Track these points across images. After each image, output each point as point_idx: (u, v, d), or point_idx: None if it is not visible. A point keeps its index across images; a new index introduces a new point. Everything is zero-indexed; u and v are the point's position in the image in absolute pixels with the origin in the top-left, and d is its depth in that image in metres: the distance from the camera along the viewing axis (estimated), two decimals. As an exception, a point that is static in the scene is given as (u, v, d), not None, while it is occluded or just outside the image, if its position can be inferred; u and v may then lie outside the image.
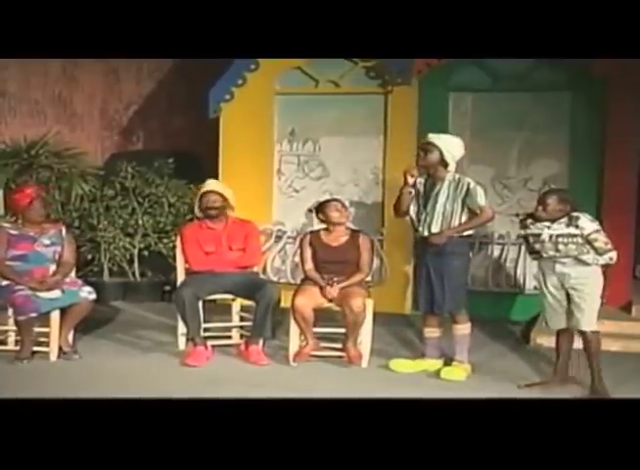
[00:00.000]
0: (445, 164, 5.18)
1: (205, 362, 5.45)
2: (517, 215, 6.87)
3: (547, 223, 4.83)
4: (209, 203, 5.74)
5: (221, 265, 5.73)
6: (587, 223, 4.76)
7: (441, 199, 5.16)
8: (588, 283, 4.80)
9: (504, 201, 6.94)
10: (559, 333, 4.99)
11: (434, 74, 6.87)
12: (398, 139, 7.06)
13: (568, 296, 4.86)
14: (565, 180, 6.69)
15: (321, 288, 5.50)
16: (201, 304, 5.63)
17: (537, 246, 4.90)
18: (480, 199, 5.12)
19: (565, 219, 4.78)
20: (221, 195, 5.75)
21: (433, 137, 5.24)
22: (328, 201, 5.76)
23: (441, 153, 5.16)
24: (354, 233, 5.65)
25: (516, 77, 6.82)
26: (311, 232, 5.81)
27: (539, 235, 4.86)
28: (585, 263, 4.78)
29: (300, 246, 5.79)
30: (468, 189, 5.11)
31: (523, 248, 6.84)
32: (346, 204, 5.80)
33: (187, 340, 5.63)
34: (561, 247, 4.79)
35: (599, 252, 4.75)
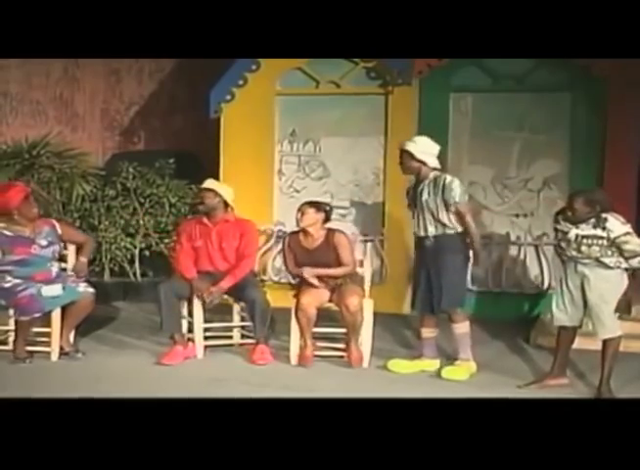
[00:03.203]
0: (423, 163, 5.22)
1: (181, 362, 5.48)
2: (516, 216, 6.94)
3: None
4: (200, 199, 5.83)
5: (208, 263, 5.75)
6: (616, 226, 4.66)
7: (424, 197, 5.20)
8: (609, 288, 4.74)
9: (504, 201, 6.95)
10: (561, 330, 4.98)
11: (435, 75, 6.88)
12: (399, 139, 6.95)
13: (584, 297, 4.83)
14: (565, 180, 6.70)
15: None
16: (199, 303, 5.67)
17: (563, 244, 4.87)
18: (455, 194, 5.11)
19: (592, 220, 4.70)
20: (217, 194, 5.76)
21: (402, 143, 5.34)
22: (301, 204, 5.69)
23: (412, 154, 5.22)
24: (329, 233, 5.58)
25: (516, 78, 6.83)
26: (291, 234, 5.80)
27: (567, 233, 4.81)
28: (607, 266, 4.72)
29: (283, 248, 5.80)
30: (444, 184, 5.14)
31: (523, 248, 6.88)
32: (321, 205, 5.66)
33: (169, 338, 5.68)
34: (584, 248, 4.72)
35: (627, 255, 4.65)
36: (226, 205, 5.79)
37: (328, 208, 5.70)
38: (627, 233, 4.66)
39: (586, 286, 4.79)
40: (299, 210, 5.59)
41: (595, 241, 4.69)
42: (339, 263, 5.52)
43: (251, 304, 5.58)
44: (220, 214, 5.77)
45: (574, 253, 4.79)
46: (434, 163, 5.25)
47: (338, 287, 5.51)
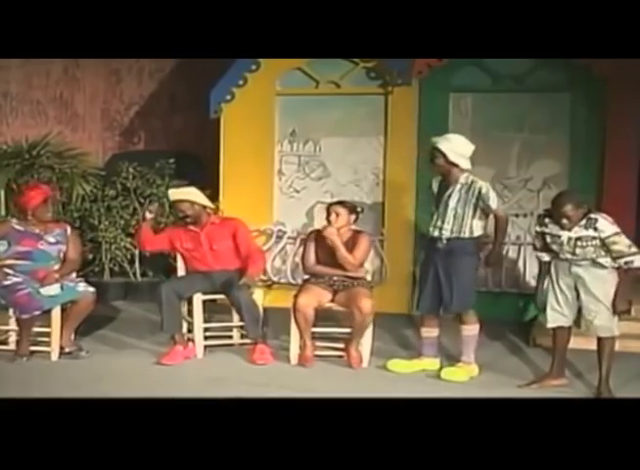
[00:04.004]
0: (455, 165, 5.15)
1: (182, 362, 5.49)
2: (516, 216, 6.93)
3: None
4: (180, 212, 5.79)
5: (201, 264, 5.77)
6: (606, 226, 4.66)
7: (453, 202, 5.15)
8: (604, 287, 4.75)
9: (504, 201, 6.90)
10: (556, 331, 4.98)
11: (435, 75, 6.87)
12: (399, 140, 7.07)
13: (578, 297, 4.83)
14: (565, 180, 6.70)
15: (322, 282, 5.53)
16: (199, 303, 5.68)
17: (555, 247, 4.84)
18: (493, 202, 5.10)
19: (583, 222, 4.69)
20: (192, 202, 5.71)
21: (435, 141, 5.23)
22: (331, 204, 5.71)
23: (445, 155, 5.15)
24: (356, 234, 5.62)
25: (516, 78, 6.82)
26: (317, 231, 5.81)
27: (558, 236, 4.79)
28: (602, 266, 4.72)
29: (305, 243, 5.78)
30: (480, 193, 5.09)
31: (523, 248, 6.87)
32: (355, 206, 5.69)
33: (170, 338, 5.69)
34: (578, 250, 4.72)
35: (614, 255, 4.66)
36: (204, 207, 5.77)
37: (360, 209, 5.73)
38: (616, 233, 4.67)
39: (580, 287, 4.80)
40: (333, 210, 5.57)
41: (588, 242, 4.69)
42: None
43: (236, 304, 5.60)
44: (204, 219, 5.76)
45: (569, 255, 4.79)
46: (466, 164, 5.18)
47: (344, 289, 5.52)
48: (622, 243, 4.67)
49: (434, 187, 5.36)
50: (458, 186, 5.16)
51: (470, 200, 5.12)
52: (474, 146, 5.25)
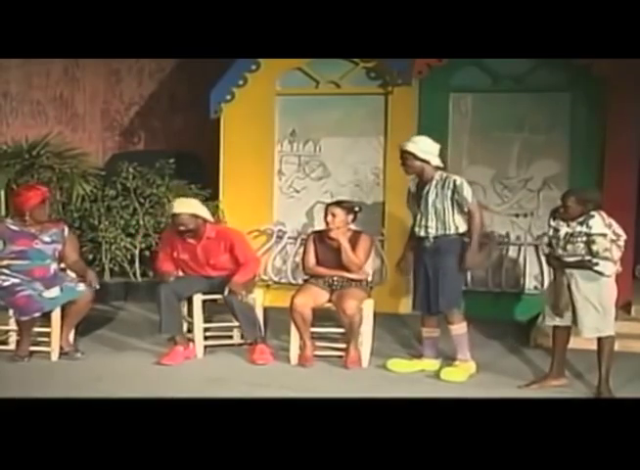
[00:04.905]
0: (426, 161, 5.22)
1: (182, 362, 5.48)
2: (516, 216, 6.94)
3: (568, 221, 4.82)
4: (181, 226, 5.60)
5: (200, 271, 5.76)
6: (598, 223, 4.69)
7: (431, 198, 5.21)
8: (594, 287, 4.76)
9: (504, 201, 6.95)
10: (555, 330, 4.99)
11: (435, 75, 6.87)
12: (399, 139, 6.97)
13: (572, 297, 4.83)
14: (565, 180, 6.69)
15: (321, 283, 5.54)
16: (199, 303, 5.67)
17: (554, 241, 4.90)
18: (468, 194, 5.15)
19: (582, 218, 4.74)
20: (196, 215, 5.60)
21: (402, 144, 5.34)
22: (328, 205, 5.71)
23: (414, 154, 5.21)
24: (356, 234, 5.62)
25: (516, 78, 6.82)
26: (316, 232, 5.81)
27: (558, 231, 4.85)
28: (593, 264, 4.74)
29: (305, 244, 5.78)
30: (454, 186, 5.15)
31: (523, 248, 6.87)
32: (352, 206, 5.67)
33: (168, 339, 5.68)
34: (569, 246, 4.77)
35: (593, 252, 4.70)
36: (204, 221, 5.67)
37: (357, 208, 5.71)
38: (602, 234, 4.69)
39: (573, 286, 4.81)
40: (329, 211, 5.57)
41: (579, 238, 4.73)
42: None
43: (230, 308, 5.58)
44: (201, 231, 5.65)
45: (561, 251, 4.83)
46: (436, 161, 5.26)
47: (339, 288, 5.52)
48: (601, 245, 4.69)
49: (412, 188, 5.44)
50: (434, 183, 5.23)
51: (446, 194, 5.18)
52: (439, 145, 5.34)
